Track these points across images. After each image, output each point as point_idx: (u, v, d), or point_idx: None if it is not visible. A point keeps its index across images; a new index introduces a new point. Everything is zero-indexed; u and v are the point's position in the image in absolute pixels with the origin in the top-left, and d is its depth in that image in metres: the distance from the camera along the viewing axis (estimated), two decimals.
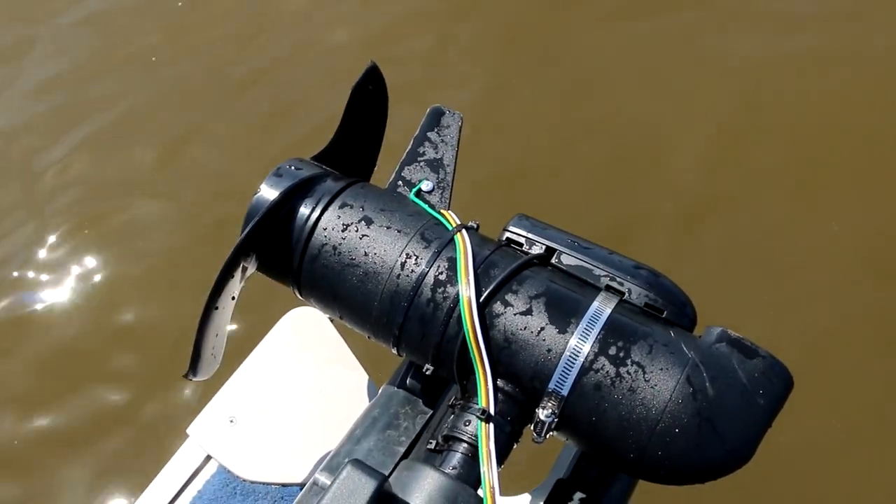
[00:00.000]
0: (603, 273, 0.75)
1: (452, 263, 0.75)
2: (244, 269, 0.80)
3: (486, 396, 0.70)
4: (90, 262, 2.46)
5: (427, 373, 0.77)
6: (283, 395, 1.26)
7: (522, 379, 0.70)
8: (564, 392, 0.67)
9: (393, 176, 0.90)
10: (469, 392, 0.73)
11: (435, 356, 0.75)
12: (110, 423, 2.14)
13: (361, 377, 1.28)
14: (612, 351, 0.68)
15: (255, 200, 0.81)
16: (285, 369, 1.29)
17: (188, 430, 1.22)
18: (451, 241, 0.77)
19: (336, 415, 1.23)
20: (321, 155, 0.91)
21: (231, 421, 1.22)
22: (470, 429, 0.70)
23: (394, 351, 0.80)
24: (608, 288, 0.74)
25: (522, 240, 0.79)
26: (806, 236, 2.23)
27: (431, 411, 0.84)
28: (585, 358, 0.67)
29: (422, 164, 0.90)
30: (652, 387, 0.66)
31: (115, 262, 2.45)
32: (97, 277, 2.44)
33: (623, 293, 0.74)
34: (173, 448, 1.23)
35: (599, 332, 0.68)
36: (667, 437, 0.65)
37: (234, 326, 2.06)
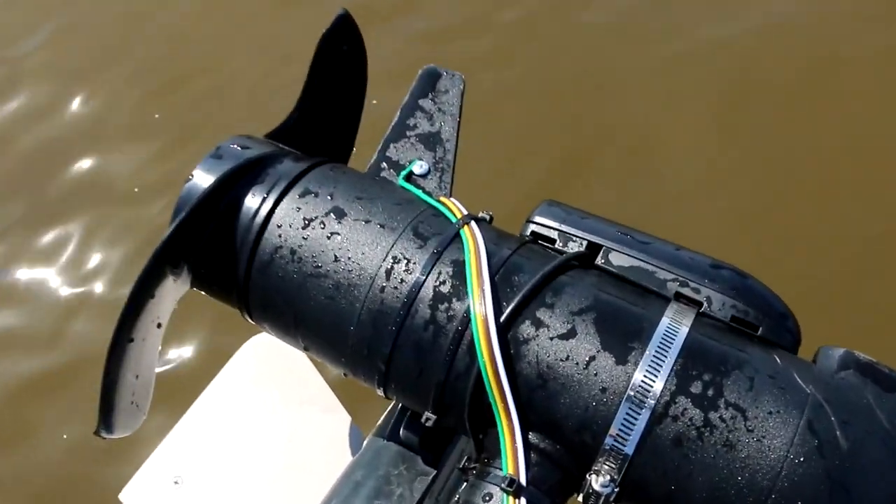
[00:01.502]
0: (670, 276, 0.64)
1: (459, 268, 0.64)
2: (173, 284, 0.69)
3: (513, 458, 0.59)
4: None
5: (427, 424, 0.65)
6: (243, 447, 1.17)
7: (566, 431, 0.59)
8: (628, 449, 0.56)
9: (375, 156, 0.79)
10: (488, 451, 0.61)
11: (437, 400, 0.63)
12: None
13: (343, 422, 1.18)
14: (697, 388, 0.56)
15: (186, 190, 0.71)
16: (245, 413, 1.20)
17: (121, 496, 1.11)
18: (456, 237, 0.66)
19: (310, 471, 1.13)
20: (278, 132, 0.79)
21: (176, 482, 1.11)
22: None
23: (380, 393, 0.69)
24: (679, 297, 0.63)
25: (554, 234, 0.68)
26: None
27: (435, 471, 0.74)
28: (658, 399, 0.56)
29: (413, 139, 0.80)
30: (758, 439, 0.54)
31: None
32: None
33: (700, 303, 0.62)
34: None
35: (676, 361, 0.57)
36: None
37: (176, 359, 1.87)
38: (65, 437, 1.98)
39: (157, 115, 2.60)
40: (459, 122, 0.80)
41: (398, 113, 0.81)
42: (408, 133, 0.81)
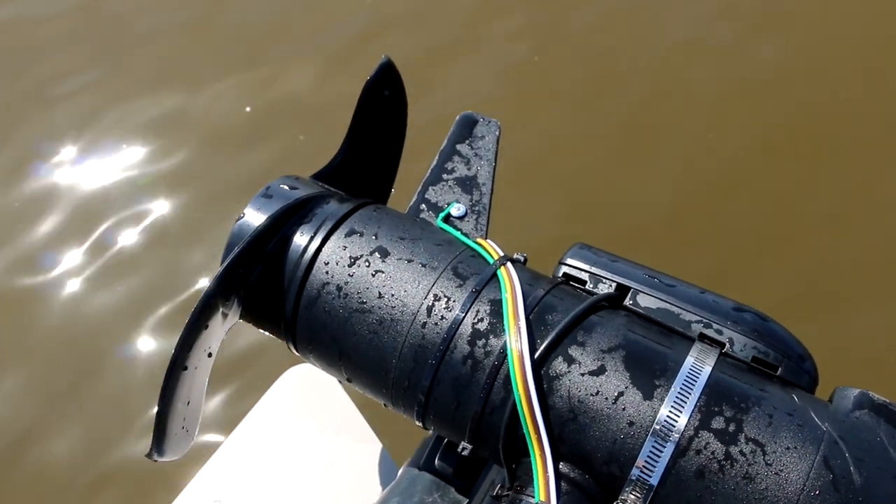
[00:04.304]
0: (694, 318, 0.63)
1: (496, 307, 0.63)
2: (224, 316, 0.68)
3: (544, 487, 0.58)
4: None
5: (463, 453, 0.64)
6: (281, 473, 1.13)
7: (594, 463, 0.58)
8: (653, 481, 0.55)
9: (415, 198, 0.78)
10: (520, 480, 0.60)
11: (474, 431, 0.63)
12: None
13: (376, 451, 1.16)
14: (719, 423, 0.55)
15: (237, 228, 0.71)
16: (283, 440, 1.16)
17: None
18: (494, 277, 0.65)
19: (345, 497, 1.10)
20: (323, 173, 0.80)
21: None
22: None
23: (418, 424, 0.67)
24: (703, 337, 0.62)
25: (585, 275, 0.68)
26: None
27: (467, 500, 0.73)
28: (682, 433, 0.55)
29: (450, 183, 0.79)
30: (776, 472, 0.53)
31: None
32: None
33: (723, 344, 0.62)
34: None
35: (699, 398, 0.56)
36: None
37: (218, 389, 1.87)
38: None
39: None
40: (495, 166, 0.80)
41: (436, 157, 0.81)
42: (445, 176, 0.80)
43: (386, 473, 1.12)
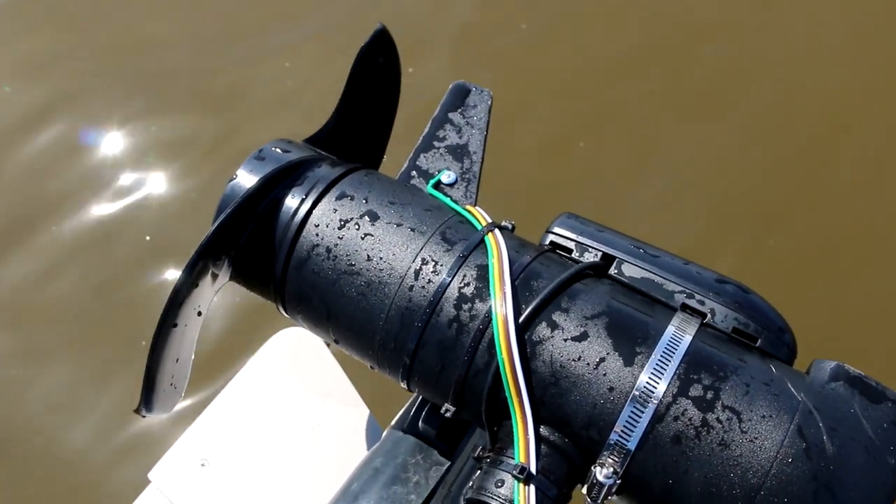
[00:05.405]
0: (677, 288, 0.64)
1: (483, 272, 0.64)
2: (214, 277, 0.69)
3: (524, 449, 0.59)
4: None
5: (447, 415, 0.65)
6: (267, 434, 1.14)
7: (574, 426, 0.59)
8: (631, 445, 0.56)
9: (406, 164, 0.78)
10: (502, 442, 0.61)
11: (457, 394, 0.64)
12: (48, 468, 1.88)
13: (362, 414, 1.16)
14: (697, 391, 0.56)
15: (230, 188, 0.71)
16: (270, 402, 1.16)
17: (149, 475, 1.08)
18: (481, 243, 0.66)
19: (330, 459, 1.11)
20: (315, 138, 0.80)
21: (203, 464, 1.08)
22: (503, 491, 0.58)
23: (403, 385, 0.68)
24: (685, 307, 0.63)
25: (571, 244, 0.68)
26: None
27: (449, 462, 0.73)
28: (661, 400, 0.56)
29: (441, 150, 0.79)
30: (751, 440, 0.54)
31: None
32: None
33: (704, 314, 0.62)
34: (131, 498, 1.09)
35: (679, 366, 0.57)
36: None
37: (207, 348, 1.86)
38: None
39: None
40: (486, 135, 0.80)
41: (428, 125, 0.81)
42: (437, 144, 0.80)
43: (371, 437, 1.12)
